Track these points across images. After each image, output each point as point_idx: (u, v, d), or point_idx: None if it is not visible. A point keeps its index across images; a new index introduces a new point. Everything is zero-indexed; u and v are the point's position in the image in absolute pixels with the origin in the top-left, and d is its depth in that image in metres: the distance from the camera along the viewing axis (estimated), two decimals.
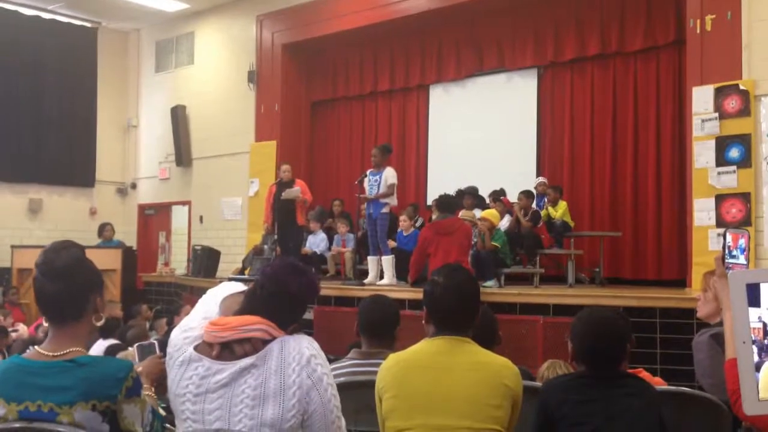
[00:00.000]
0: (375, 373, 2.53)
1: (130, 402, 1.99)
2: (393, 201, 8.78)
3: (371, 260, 8.84)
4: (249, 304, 2.11)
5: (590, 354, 2.66)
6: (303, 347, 2.02)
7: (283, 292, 2.10)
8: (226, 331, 2.03)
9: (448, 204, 8.13)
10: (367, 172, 8.84)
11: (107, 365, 2.04)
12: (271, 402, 1.96)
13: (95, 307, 2.12)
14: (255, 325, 2.04)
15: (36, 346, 2.09)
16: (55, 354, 2.03)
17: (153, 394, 2.13)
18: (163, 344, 5.42)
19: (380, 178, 8.61)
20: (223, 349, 2.04)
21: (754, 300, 1.55)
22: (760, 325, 1.55)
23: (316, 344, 2.06)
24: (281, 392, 1.96)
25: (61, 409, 1.93)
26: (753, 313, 1.55)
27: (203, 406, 2.00)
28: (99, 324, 2.17)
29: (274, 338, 2.04)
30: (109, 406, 1.96)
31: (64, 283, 2.05)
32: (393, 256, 8.67)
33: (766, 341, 1.54)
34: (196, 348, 2.08)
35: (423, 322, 2.55)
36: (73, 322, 2.07)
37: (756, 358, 1.54)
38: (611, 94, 9.67)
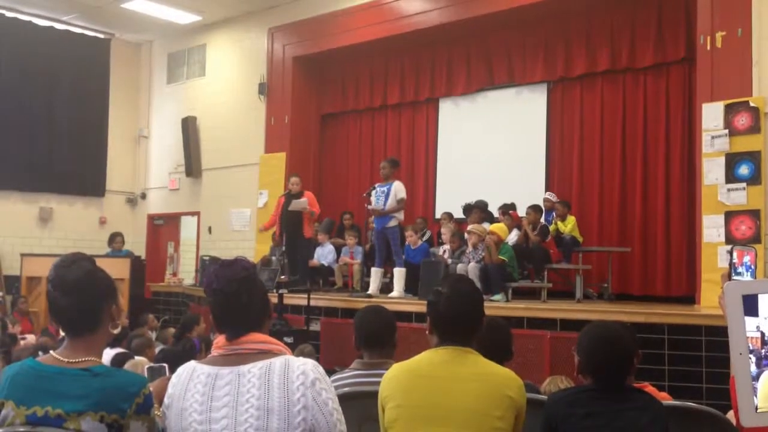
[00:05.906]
0: (378, 383, 2.51)
1: (138, 419, 1.99)
2: (400, 215, 8.79)
3: (374, 271, 8.84)
4: (219, 312, 2.14)
5: (598, 367, 2.64)
6: (308, 369, 2.03)
7: (232, 297, 2.12)
8: (231, 346, 2.10)
9: None
10: (375, 186, 8.88)
11: (122, 378, 2.04)
12: (276, 416, 1.97)
13: (111, 315, 2.13)
14: (259, 343, 2.10)
15: (51, 351, 2.08)
16: (71, 361, 2.03)
17: (161, 415, 2.13)
18: (170, 354, 5.41)
19: (387, 190, 8.62)
20: (226, 360, 2.09)
21: (752, 309, 1.54)
22: (759, 335, 1.53)
23: (321, 368, 2.08)
24: (286, 408, 1.97)
25: (69, 416, 1.93)
26: (751, 322, 1.54)
27: (209, 415, 2.01)
28: (116, 331, 2.18)
29: (273, 353, 2.08)
30: (117, 419, 1.95)
31: (77, 297, 2.05)
32: (405, 269, 8.67)
33: (764, 350, 1.53)
34: (199, 360, 2.14)
35: (426, 332, 2.54)
36: (89, 333, 2.08)
37: (754, 369, 1.53)
38: (621, 110, 9.65)
